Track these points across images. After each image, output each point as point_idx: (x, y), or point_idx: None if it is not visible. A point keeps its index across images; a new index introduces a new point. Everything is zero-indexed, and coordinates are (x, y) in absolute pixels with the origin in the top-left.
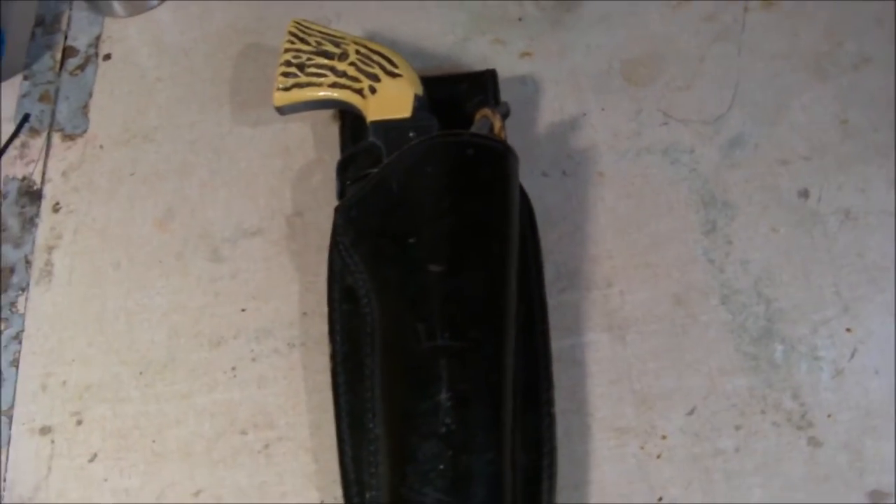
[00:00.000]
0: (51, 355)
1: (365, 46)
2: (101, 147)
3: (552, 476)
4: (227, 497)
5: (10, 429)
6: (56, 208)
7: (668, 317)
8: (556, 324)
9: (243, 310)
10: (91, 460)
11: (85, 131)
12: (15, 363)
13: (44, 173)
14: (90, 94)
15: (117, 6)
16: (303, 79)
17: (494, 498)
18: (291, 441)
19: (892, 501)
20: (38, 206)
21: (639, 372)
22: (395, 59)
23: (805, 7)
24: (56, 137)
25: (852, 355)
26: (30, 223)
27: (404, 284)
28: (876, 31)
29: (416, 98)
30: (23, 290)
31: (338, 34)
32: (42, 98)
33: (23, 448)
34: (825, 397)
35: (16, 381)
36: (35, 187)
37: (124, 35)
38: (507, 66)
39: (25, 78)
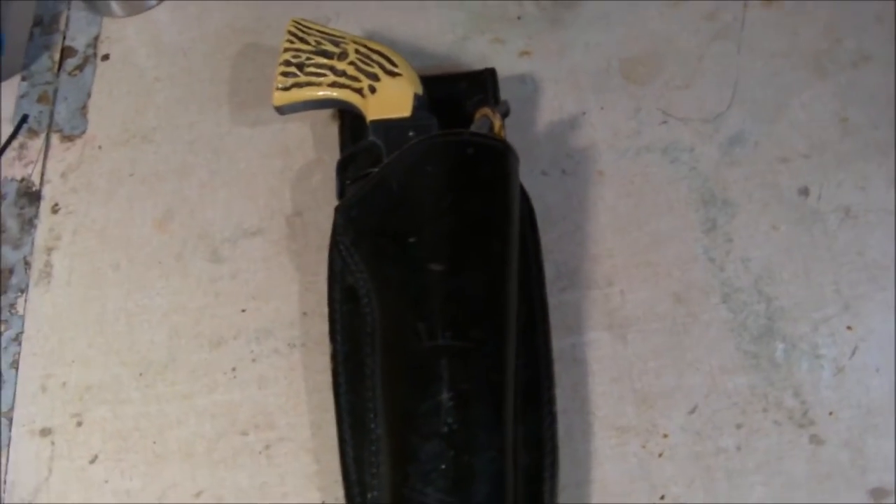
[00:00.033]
0: (51, 357)
1: (364, 46)
2: (99, 148)
3: (554, 475)
4: (228, 498)
5: (10, 430)
6: (55, 209)
7: (668, 315)
8: (556, 323)
9: (243, 310)
10: (92, 462)
11: (83, 132)
12: (15, 365)
13: (42, 174)
14: (89, 95)
15: (115, 6)
16: (302, 78)
17: (496, 497)
18: (292, 441)
19: (894, 500)
20: (37, 208)
21: (640, 371)
22: (394, 58)
23: (804, 5)
24: (55, 138)
25: (853, 353)
26: (29, 224)
27: (405, 284)
28: (875, 29)
29: (416, 97)
30: (22, 291)
31: (337, 33)
32: (40, 99)
33: (23, 450)
34: (826, 395)
35: (16, 383)
36: (34, 188)
37: (122, 35)
38: (506, 65)
39: (24, 79)
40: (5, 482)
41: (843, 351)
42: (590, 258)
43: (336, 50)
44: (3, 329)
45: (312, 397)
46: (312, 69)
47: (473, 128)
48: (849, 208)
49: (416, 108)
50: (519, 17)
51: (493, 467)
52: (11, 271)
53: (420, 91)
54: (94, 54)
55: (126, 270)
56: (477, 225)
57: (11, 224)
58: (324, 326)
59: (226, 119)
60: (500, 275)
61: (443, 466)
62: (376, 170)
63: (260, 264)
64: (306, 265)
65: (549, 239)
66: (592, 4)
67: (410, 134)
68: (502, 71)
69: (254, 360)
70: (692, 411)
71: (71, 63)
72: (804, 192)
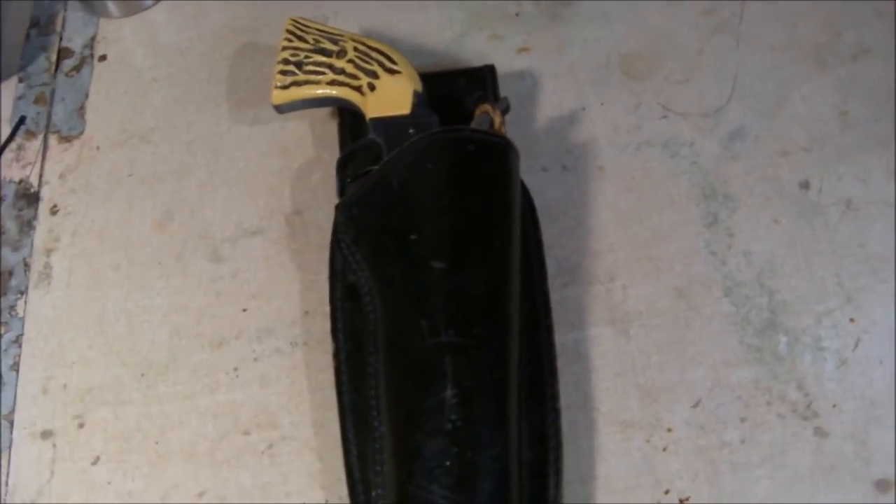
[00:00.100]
0: (51, 358)
1: (363, 43)
2: (97, 148)
3: (558, 471)
4: (231, 498)
5: (11, 433)
6: (54, 211)
7: (671, 310)
8: (559, 319)
9: (244, 310)
10: (94, 463)
11: (81, 133)
12: (15, 367)
13: (41, 176)
14: (86, 96)
15: (112, 7)
16: (301, 77)
17: (501, 494)
18: (295, 441)
19: None
20: (36, 209)
21: (643, 365)
22: (393, 55)
23: None
24: (52, 139)
25: (856, 345)
26: (28, 226)
27: (407, 281)
28: (875, 22)
29: (416, 95)
30: (22, 293)
31: (336, 31)
32: (38, 100)
33: (24, 452)
34: (830, 388)
35: (16, 385)
36: (32, 190)
37: (119, 36)
38: (505, 61)
39: (21, 80)
40: (7, 485)
41: (846, 343)
42: (591, 254)
43: (335, 48)
44: (3, 331)
45: (315, 396)
46: (311, 67)
47: (474, 124)
48: (850, 201)
49: (415, 106)
50: (517, 14)
51: (497, 464)
52: (11, 273)
53: (420, 88)
54: (91, 55)
55: (126, 271)
56: (478, 222)
57: (10, 226)
58: (325, 325)
59: (224, 118)
60: (502, 271)
61: (447, 463)
62: (377, 167)
63: (260, 263)
64: (307, 264)
65: (550, 235)
66: (590, 1)
67: (410, 131)
68: (501, 67)
69: (255, 360)
70: (696, 405)
71: (68, 64)
72: (805, 185)
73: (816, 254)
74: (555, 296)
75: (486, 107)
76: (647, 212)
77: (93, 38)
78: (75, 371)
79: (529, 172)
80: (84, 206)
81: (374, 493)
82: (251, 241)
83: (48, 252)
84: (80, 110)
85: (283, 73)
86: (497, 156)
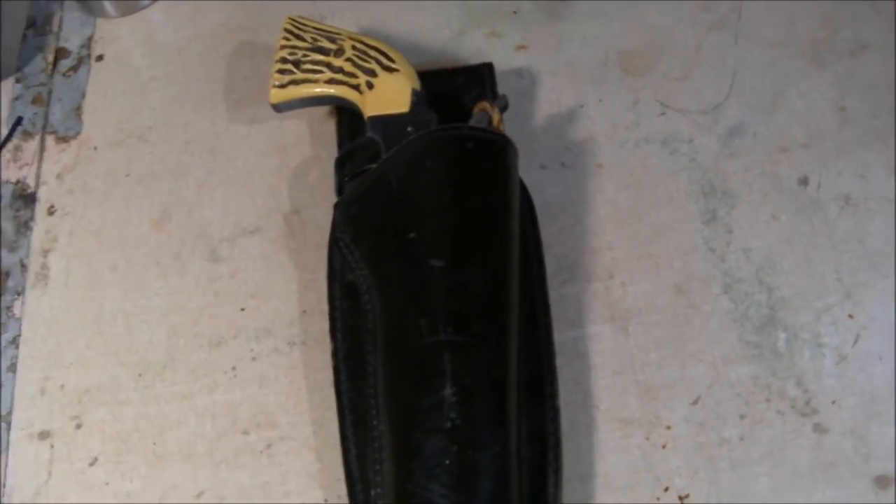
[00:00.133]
0: (49, 359)
1: (361, 42)
2: (95, 148)
3: (558, 469)
4: (229, 498)
5: (8, 434)
6: (51, 211)
7: (670, 307)
8: (558, 316)
9: (242, 309)
10: (91, 464)
11: (79, 133)
12: (12, 368)
13: (38, 176)
14: (83, 96)
15: (109, 6)
16: (299, 75)
17: (501, 493)
18: (294, 440)
19: None
20: (33, 210)
21: (642, 363)
22: (391, 54)
23: None
24: (49, 140)
25: (855, 341)
26: (25, 227)
27: (406, 280)
28: (873, 18)
29: (414, 93)
30: (19, 293)
31: (333, 30)
32: (35, 100)
33: (22, 453)
34: (829, 384)
35: (14, 386)
36: (29, 190)
37: (116, 35)
38: (503, 59)
39: (17, 80)
40: (4, 486)
41: (846, 339)
42: (590, 251)
43: (332, 46)
44: (0, 332)
45: (313, 395)
46: (309, 66)
47: (472, 122)
48: (849, 197)
49: (414, 104)
50: (515, 12)
51: (496, 463)
52: (8, 274)
53: (418, 86)
54: (88, 55)
55: (123, 271)
56: (477, 220)
57: (7, 226)
58: (324, 324)
59: (222, 117)
60: (501, 269)
61: (446, 462)
62: (375, 166)
63: (259, 263)
64: (305, 263)
65: (549, 232)
66: None
67: (409, 129)
68: (499, 65)
69: (254, 359)
70: (695, 402)
71: (65, 64)
72: (804, 181)
73: (815, 250)
74: (554, 293)
75: (485, 104)
76: (645, 209)
77: (90, 38)
78: (73, 372)
79: (528, 170)
80: (81, 206)
81: (373, 493)
82: (249, 240)
83: (45, 252)
84: (78, 110)
85: (281, 71)
86: (496, 153)
